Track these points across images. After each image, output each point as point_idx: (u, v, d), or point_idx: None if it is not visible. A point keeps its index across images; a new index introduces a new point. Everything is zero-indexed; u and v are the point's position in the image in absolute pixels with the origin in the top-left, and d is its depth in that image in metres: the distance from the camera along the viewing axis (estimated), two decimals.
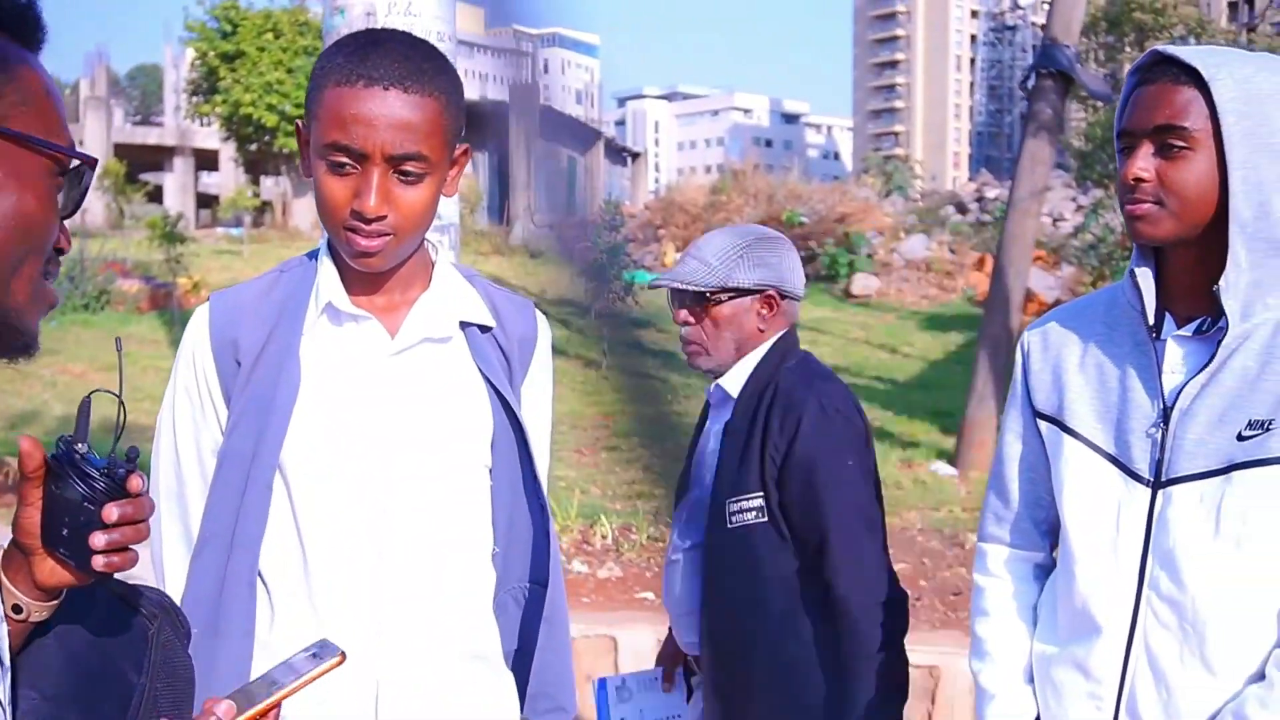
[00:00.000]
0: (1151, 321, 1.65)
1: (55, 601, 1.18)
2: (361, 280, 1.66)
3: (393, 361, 1.66)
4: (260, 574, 1.67)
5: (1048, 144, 9.26)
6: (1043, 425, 1.80)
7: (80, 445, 1.14)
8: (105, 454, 1.16)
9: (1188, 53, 1.59)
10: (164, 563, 1.72)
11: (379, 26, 4.62)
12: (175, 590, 1.68)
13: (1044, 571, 1.88)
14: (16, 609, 1.14)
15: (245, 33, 33.06)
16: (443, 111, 1.58)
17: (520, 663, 1.81)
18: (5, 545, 1.17)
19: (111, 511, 1.11)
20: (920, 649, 4.25)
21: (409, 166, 1.55)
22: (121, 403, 1.16)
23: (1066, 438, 1.75)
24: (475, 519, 1.72)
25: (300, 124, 1.63)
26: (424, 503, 1.67)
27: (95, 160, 1.08)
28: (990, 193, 23.77)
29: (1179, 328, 1.65)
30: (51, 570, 1.15)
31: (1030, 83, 9.36)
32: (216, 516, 1.65)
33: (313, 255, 1.73)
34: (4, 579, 1.15)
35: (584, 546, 5.85)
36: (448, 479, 1.69)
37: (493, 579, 1.76)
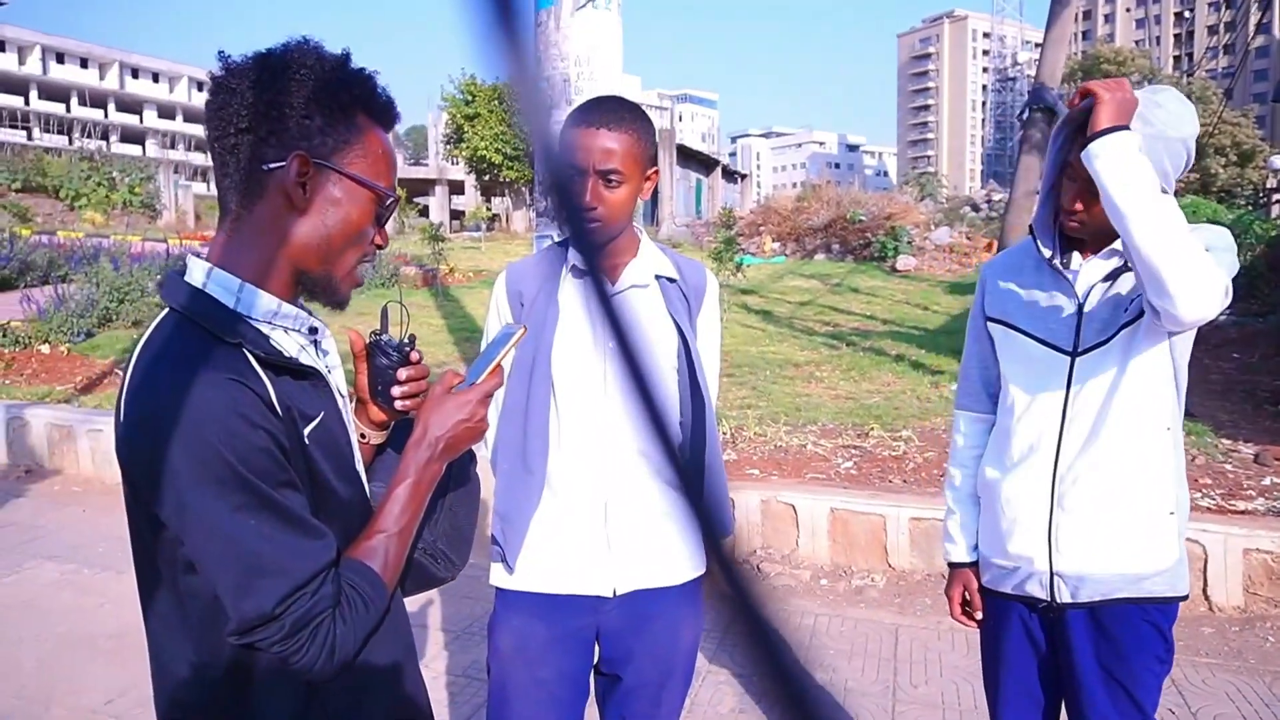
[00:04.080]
0: (1055, 259, 1.72)
1: (384, 432, 1.29)
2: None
3: (613, 300, 1.74)
4: None
5: (1037, 159, 8.85)
6: (993, 327, 1.82)
7: (384, 336, 1.26)
8: (399, 341, 1.27)
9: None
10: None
11: (576, 90, 4.71)
12: (490, 442, 1.80)
13: (990, 427, 1.90)
14: (363, 436, 1.28)
15: (480, 100, 33.49)
16: (634, 143, 1.67)
17: (695, 490, 1.87)
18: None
19: (402, 373, 1.24)
20: (944, 508, 4.20)
21: (612, 177, 1.65)
22: (404, 307, 1.30)
23: (1012, 332, 1.77)
24: (668, 399, 1.78)
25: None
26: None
27: (398, 197, 1.15)
28: (996, 196, 22.69)
29: (1085, 256, 1.71)
30: (376, 412, 1.27)
31: (1025, 115, 8.95)
32: (513, 397, 1.75)
33: (565, 242, 1.83)
34: (355, 418, 1.26)
35: None
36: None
37: (679, 436, 1.81)
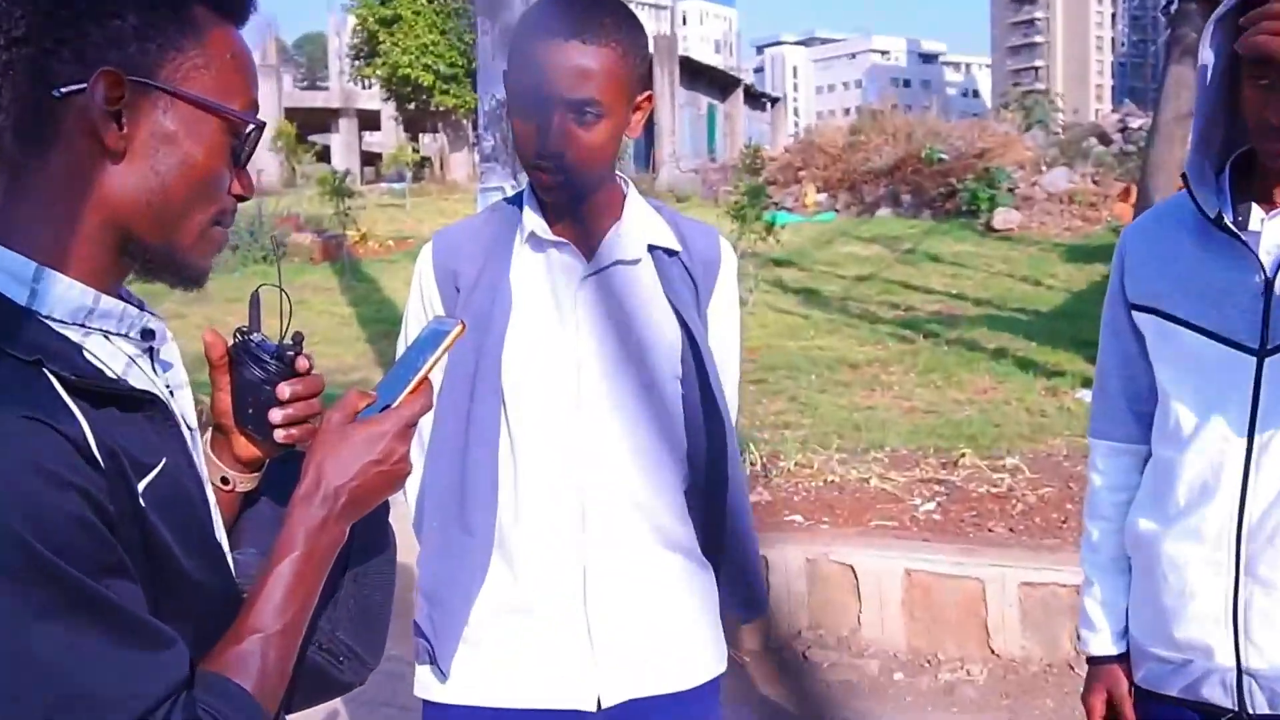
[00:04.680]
0: (1225, 217, 1.68)
1: (256, 474, 1.29)
2: (559, 212, 1.76)
3: (589, 282, 1.77)
4: None
5: (1192, 69, 8.82)
6: (1140, 318, 1.81)
7: (255, 335, 1.25)
8: (278, 343, 1.25)
9: None
10: None
11: None
12: (412, 491, 1.81)
13: (1142, 461, 1.89)
14: (224, 480, 1.26)
15: None
16: (619, 61, 1.66)
17: (711, 559, 1.88)
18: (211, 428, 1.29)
19: (284, 390, 1.22)
20: (1068, 569, 4.20)
21: (587, 110, 1.64)
22: (284, 293, 1.28)
23: (1166, 323, 1.76)
24: (668, 421, 1.80)
25: (505, 74, 1.73)
26: (620, 405, 1.76)
27: (262, 123, 1.12)
28: (1134, 123, 22.71)
29: (1267, 211, 1.68)
30: (245, 445, 1.27)
31: (1174, 6, 8.98)
32: (446, 424, 1.76)
33: (518, 198, 1.84)
34: (211, 455, 1.27)
35: None
36: (641, 385, 1.77)
37: (685, 477, 1.83)
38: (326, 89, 54.39)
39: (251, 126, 1.10)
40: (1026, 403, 7.37)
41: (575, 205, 1.75)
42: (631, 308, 1.77)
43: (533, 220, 1.76)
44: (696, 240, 1.86)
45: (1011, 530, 4.99)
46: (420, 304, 1.84)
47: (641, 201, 1.84)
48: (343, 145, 43.91)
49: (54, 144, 1.03)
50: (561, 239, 1.76)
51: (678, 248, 1.82)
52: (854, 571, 4.59)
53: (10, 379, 0.95)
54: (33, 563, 0.89)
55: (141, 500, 1.01)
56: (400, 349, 1.86)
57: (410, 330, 1.83)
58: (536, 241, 1.78)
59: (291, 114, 40.87)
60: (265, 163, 33.58)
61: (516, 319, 1.75)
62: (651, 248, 1.80)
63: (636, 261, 1.79)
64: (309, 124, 42.45)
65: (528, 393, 1.75)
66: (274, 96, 41.73)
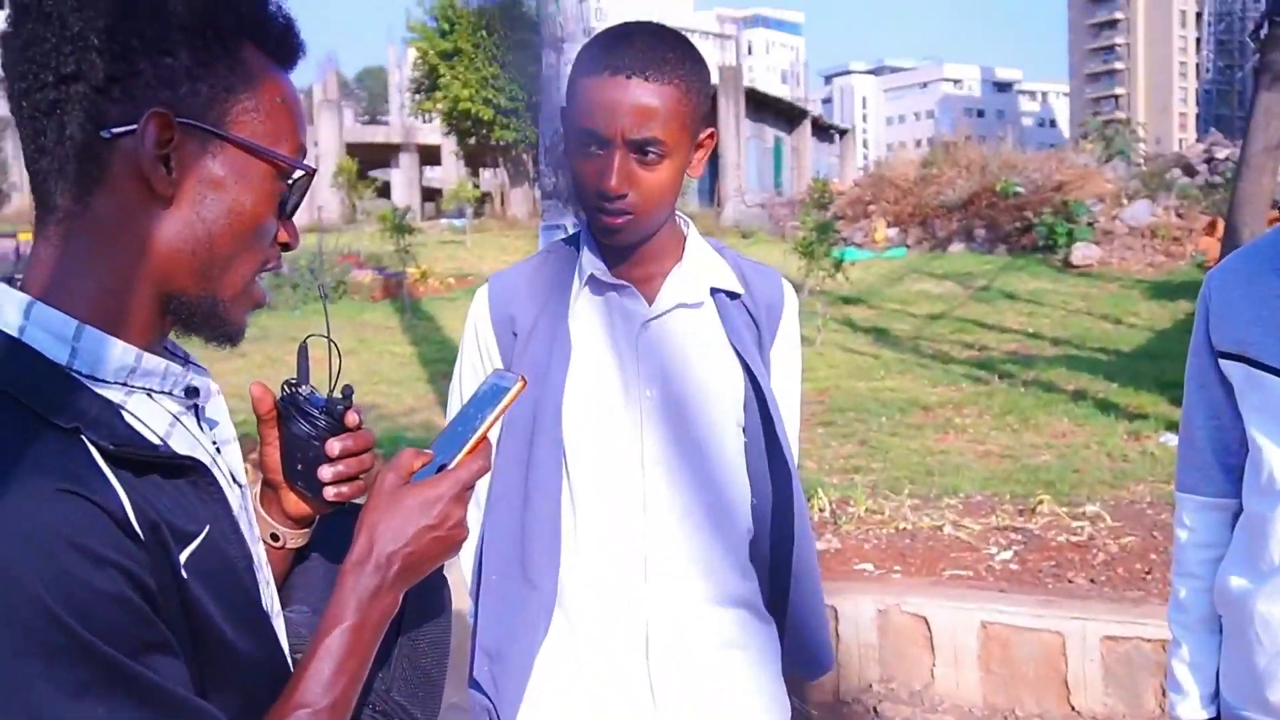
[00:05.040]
0: None
1: (307, 529, 1.28)
2: (619, 254, 1.76)
3: (651, 326, 1.76)
4: None
5: None
6: (1228, 365, 1.78)
7: (303, 388, 1.23)
8: (327, 396, 1.24)
9: None
10: None
11: (598, 15, 4.75)
12: (470, 546, 1.80)
13: (1232, 516, 1.86)
14: (274, 537, 1.25)
15: (462, 30, 34.05)
16: (682, 99, 1.65)
17: (774, 613, 1.87)
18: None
19: (334, 446, 1.21)
20: (1152, 622, 4.14)
21: (649, 150, 1.63)
22: (333, 344, 1.24)
23: (1256, 372, 1.73)
24: (731, 471, 1.79)
25: (563, 110, 1.74)
26: (683, 456, 1.75)
27: (312, 169, 1.10)
28: (1220, 153, 22.39)
29: None
30: (295, 502, 1.26)
31: (1264, 31, 8.85)
32: (506, 476, 1.76)
33: (575, 238, 1.84)
34: (261, 510, 1.25)
35: None
36: (704, 434, 1.76)
37: (750, 529, 1.82)
38: (387, 124, 55.21)
39: (301, 173, 1.09)
40: (1107, 447, 7.27)
41: (636, 247, 1.74)
42: (694, 352, 1.76)
43: (591, 262, 1.76)
44: (759, 282, 1.85)
45: (1093, 581, 4.92)
46: (476, 351, 1.83)
47: (703, 242, 1.84)
48: (403, 180, 44.58)
49: (99, 188, 1.00)
50: (622, 281, 1.76)
51: (740, 290, 1.81)
52: (927, 623, 4.54)
53: (48, 448, 0.92)
54: (71, 642, 0.87)
55: (184, 571, 0.98)
56: (453, 397, 1.87)
57: (465, 379, 1.83)
58: (596, 284, 1.77)
59: (353, 149, 41.64)
60: (326, 199, 34.18)
61: (576, 366, 1.75)
62: (714, 290, 1.80)
63: (699, 305, 1.78)
64: (370, 159, 43.22)
65: (588, 443, 1.75)
66: (335, 132, 42.59)
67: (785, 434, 1.79)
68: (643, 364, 1.75)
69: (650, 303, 1.76)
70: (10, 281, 1.03)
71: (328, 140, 41.57)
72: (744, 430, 1.78)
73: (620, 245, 1.74)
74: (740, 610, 1.81)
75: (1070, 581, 4.92)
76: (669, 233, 1.78)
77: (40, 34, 0.98)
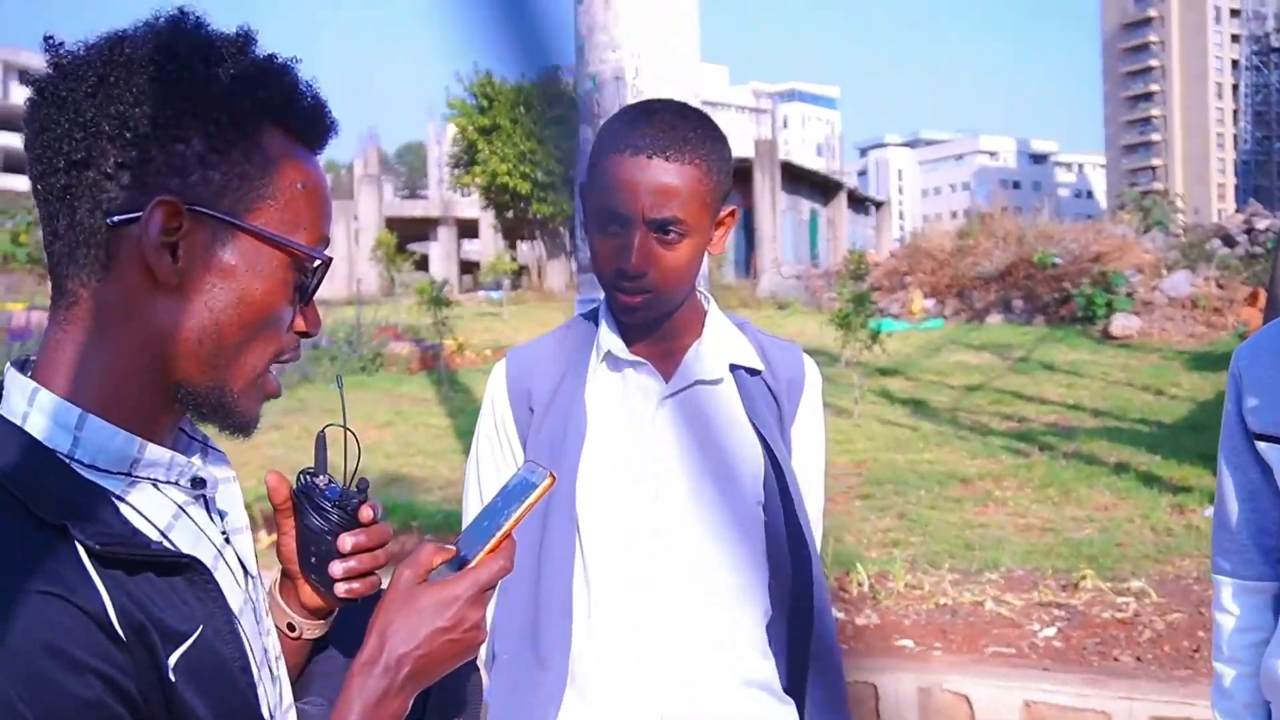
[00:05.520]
0: None
1: (324, 621, 1.26)
2: (637, 331, 1.76)
3: (669, 403, 1.75)
4: None
5: None
6: (1263, 447, 1.74)
7: (320, 478, 1.22)
8: (342, 487, 1.22)
9: None
10: None
11: (635, 91, 4.83)
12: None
13: (1274, 600, 1.82)
14: (291, 627, 1.23)
15: (500, 107, 34.62)
16: (703, 178, 1.65)
17: (793, 696, 1.82)
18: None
19: (345, 541, 1.19)
20: (1201, 702, 4.05)
21: (669, 229, 1.63)
22: (351, 434, 1.21)
23: None
24: (750, 551, 1.76)
25: (582, 187, 1.75)
26: (700, 534, 1.73)
27: (328, 259, 1.08)
28: (1260, 223, 22.26)
29: None
30: (310, 594, 1.24)
31: None
32: (518, 552, 1.74)
33: (594, 314, 1.84)
34: (279, 599, 1.24)
35: (840, 594, 5.81)
36: (722, 512, 1.74)
37: (768, 610, 1.80)
38: (426, 197, 55.99)
39: (319, 261, 1.06)
40: (1151, 521, 7.16)
41: (655, 323, 1.74)
42: (713, 430, 1.74)
43: (609, 339, 1.76)
44: (780, 358, 1.84)
45: (1139, 659, 4.84)
46: (493, 424, 1.83)
47: (723, 318, 1.83)
48: (441, 253, 45.07)
49: (107, 275, 0.99)
50: (639, 358, 1.75)
51: (760, 366, 1.80)
52: (969, 702, 4.48)
53: (34, 547, 0.90)
54: None
55: (171, 674, 0.95)
56: (470, 473, 1.86)
57: (481, 453, 1.82)
58: (614, 361, 1.77)
59: (392, 223, 42.21)
60: (364, 272, 34.60)
61: (592, 442, 1.74)
62: (733, 367, 1.79)
63: (718, 381, 1.77)
64: (409, 232, 43.79)
65: (603, 521, 1.73)
66: (375, 205, 43.28)
67: (806, 513, 1.76)
68: (660, 441, 1.74)
69: (668, 379, 1.76)
70: (25, 364, 1.03)
71: (367, 214, 42.24)
72: (764, 509, 1.76)
73: (639, 323, 1.73)
74: (758, 692, 1.77)
75: (1115, 660, 4.84)
76: (689, 309, 1.78)
77: (54, 119, 0.98)
